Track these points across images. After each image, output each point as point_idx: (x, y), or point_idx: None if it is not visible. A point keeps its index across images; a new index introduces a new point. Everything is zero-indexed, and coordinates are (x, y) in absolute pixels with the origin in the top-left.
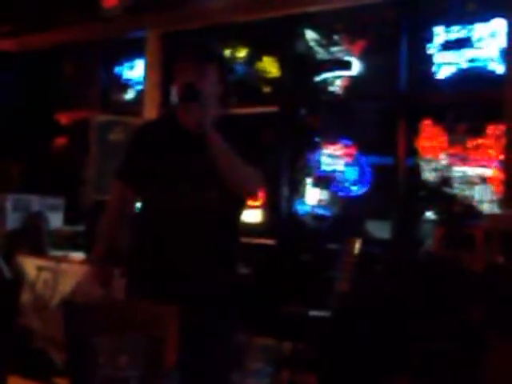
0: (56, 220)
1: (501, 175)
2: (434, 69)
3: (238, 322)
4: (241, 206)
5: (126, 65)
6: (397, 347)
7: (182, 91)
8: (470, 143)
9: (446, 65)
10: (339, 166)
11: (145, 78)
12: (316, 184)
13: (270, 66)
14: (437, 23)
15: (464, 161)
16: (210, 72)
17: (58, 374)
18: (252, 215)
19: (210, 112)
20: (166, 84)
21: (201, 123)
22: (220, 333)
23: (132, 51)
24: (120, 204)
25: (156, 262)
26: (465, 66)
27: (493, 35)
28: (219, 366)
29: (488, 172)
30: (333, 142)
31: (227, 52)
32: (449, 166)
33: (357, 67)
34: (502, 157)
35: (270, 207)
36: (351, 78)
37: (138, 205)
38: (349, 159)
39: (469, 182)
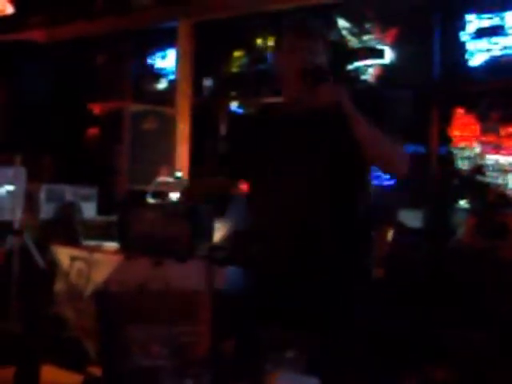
0: (89, 210)
1: None
2: (466, 57)
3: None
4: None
5: (158, 55)
6: (433, 336)
7: (311, 75)
8: (503, 131)
9: (478, 52)
10: None
11: (177, 67)
12: None
13: None
14: (469, 11)
15: (497, 149)
16: (320, 48)
17: (92, 364)
18: None
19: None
20: (198, 73)
21: (339, 101)
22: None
23: (164, 41)
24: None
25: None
26: (497, 53)
27: None
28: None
29: None
30: None
31: (258, 41)
32: (482, 155)
33: (389, 56)
34: None
35: None
36: (383, 66)
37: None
38: None
39: (502, 170)
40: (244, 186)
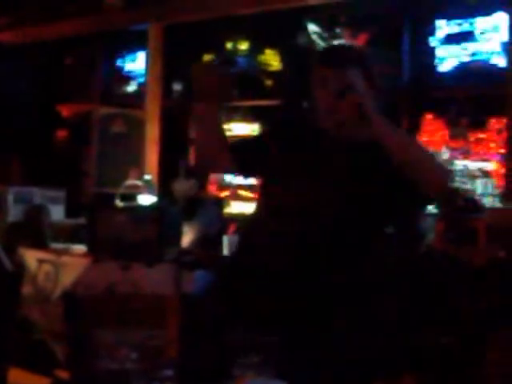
0: (57, 212)
1: (502, 169)
2: (435, 62)
3: None
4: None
5: (128, 57)
6: (398, 343)
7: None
8: (472, 137)
9: (448, 58)
10: None
11: (146, 70)
12: None
13: (271, 59)
14: (439, 17)
15: (466, 155)
16: (354, 78)
17: (59, 367)
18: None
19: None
20: (168, 77)
21: (362, 112)
22: None
23: (134, 43)
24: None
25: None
26: (467, 59)
27: (495, 29)
28: None
29: (489, 166)
30: None
31: (229, 45)
32: (450, 160)
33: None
34: (503, 151)
35: None
36: None
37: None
38: None
39: (470, 175)
40: (212, 190)
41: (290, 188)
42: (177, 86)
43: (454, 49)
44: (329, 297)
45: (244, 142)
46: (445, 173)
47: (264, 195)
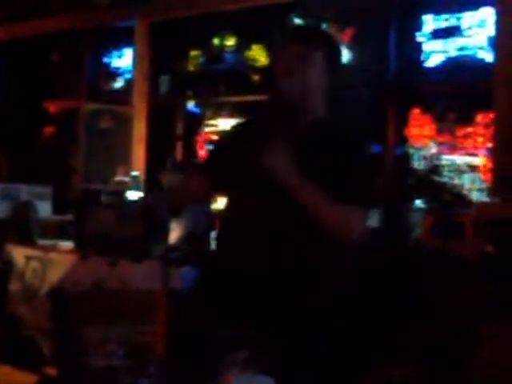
0: (44, 209)
1: (489, 163)
2: (422, 57)
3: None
4: None
5: (115, 54)
6: (386, 335)
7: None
8: (459, 131)
9: (434, 53)
10: None
11: (133, 66)
12: None
13: (259, 55)
14: (425, 11)
15: (453, 149)
16: (316, 60)
17: (47, 363)
18: None
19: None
20: (155, 73)
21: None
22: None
23: (120, 40)
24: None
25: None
26: (454, 54)
27: (481, 24)
28: None
29: (477, 160)
30: None
31: (216, 41)
32: (438, 155)
33: (345, 55)
34: (490, 145)
35: None
36: None
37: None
38: None
39: (458, 170)
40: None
41: (252, 190)
42: (164, 83)
43: (440, 44)
44: (303, 293)
45: (210, 162)
46: (358, 228)
47: (230, 197)
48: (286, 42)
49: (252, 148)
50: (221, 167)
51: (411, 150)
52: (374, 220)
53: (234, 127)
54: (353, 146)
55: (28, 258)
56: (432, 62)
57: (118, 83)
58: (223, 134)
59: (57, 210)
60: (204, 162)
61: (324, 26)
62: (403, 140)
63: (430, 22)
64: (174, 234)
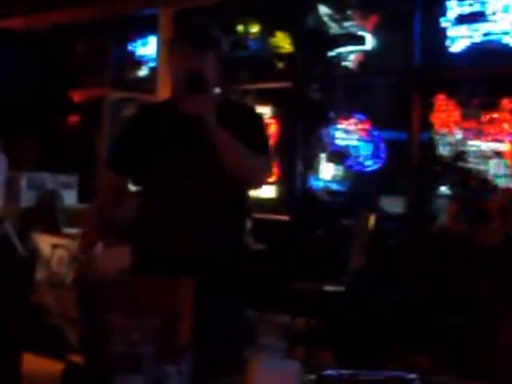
0: (70, 198)
1: None
2: (447, 43)
3: (249, 297)
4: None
5: (139, 42)
6: (413, 323)
7: (189, 82)
8: (484, 117)
9: (459, 39)
10: (353, 141)
11: (158, 54)
12: (330, 159)
13: (282, 42)
14: None
15: (478, 135)
16: (211, 58)
17: (73, 351)
18: (266, 191)
19: (212, 101)
20: None
21: (203, 113)
22: (230, 308)
23: (145, 28)
24: (111, 192)
25: (163, 246)
26: (478, 40)
27: (506, 9)
28: (231, 340)
29: (502, 146)
30: (346, 117)
31: (239, 28)
32: (463, 141)
33: (370, 42)
34: None
35: (285, 183)
36: (365, 52)
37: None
38: (363, 134)
39: (483, 156)
40: None
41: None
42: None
43: (465, 29)
44: None
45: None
46: (264, 173)
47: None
48: (181, 43)
49: (165, 123)
50: (132, 154)
51: (436, 137)
52: (399, 206)
53: (130, 117)
54: (250, 111)
55: (54, 247)
56: (457, 47)
57: (143, 71)
58: (121, 128)
59: (82, 198)
60: (111, 159)
61: (348, 12)
62: (428, 126)
63: (454, 8)
64: None
